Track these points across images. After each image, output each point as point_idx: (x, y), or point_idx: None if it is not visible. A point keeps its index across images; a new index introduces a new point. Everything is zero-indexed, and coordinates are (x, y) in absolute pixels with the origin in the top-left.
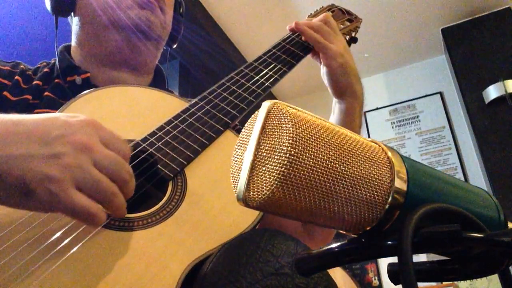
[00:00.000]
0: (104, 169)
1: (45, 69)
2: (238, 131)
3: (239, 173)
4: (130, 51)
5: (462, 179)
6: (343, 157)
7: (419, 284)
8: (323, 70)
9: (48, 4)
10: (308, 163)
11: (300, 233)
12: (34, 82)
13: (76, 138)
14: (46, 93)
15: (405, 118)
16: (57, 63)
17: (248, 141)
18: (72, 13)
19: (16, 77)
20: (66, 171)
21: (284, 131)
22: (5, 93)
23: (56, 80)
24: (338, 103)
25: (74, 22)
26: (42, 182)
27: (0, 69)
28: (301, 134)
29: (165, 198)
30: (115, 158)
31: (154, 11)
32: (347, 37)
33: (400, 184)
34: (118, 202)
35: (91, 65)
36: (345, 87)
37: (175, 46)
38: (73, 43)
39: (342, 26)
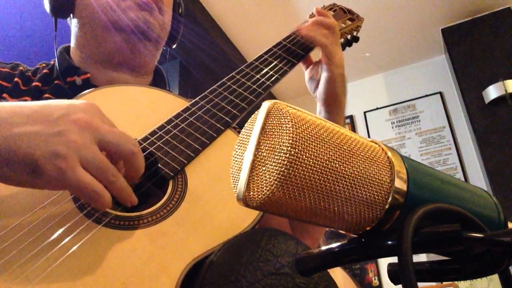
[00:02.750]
0: (109, 143)
1: (45, 70)
2: (238, 133)
3: (239, 173)
4: (130, 52)
5: (462, 179)
6: (343, 157)
7: (419, 284)
8: (317, 76)
9: (47, 6)
10: (308, 163)
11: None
12: (34, 84)
13: (79, 116)
14: (46, 95)
15: (405, 118)
16: (56, 64)
17: (248, 141)
18: (71, 14)
19: (16, 79)
20: (71, 148)
21: (284, 131)
22: (4, 95)
23: (56, 81)
24: (324, 113)
25: (73, 23)
26: (50, 158)
27: (0, 71)
28: (301, 134)
29: (165, 197)
30: (118, 132)
31: (152, 13)
32: (349, 36)
33: (400, 184)
34: (119, 184)
35: (90, 66)
36: (337, 97)
37: (174, 46)
38: (72, 44)
39: (343, 25)
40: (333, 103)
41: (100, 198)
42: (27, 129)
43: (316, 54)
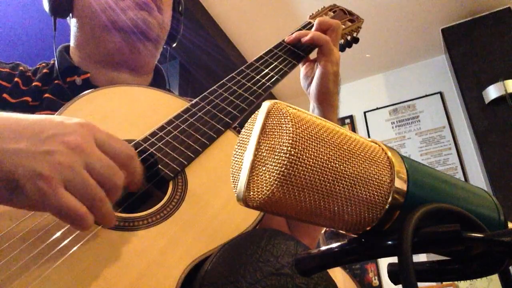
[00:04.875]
0: (96, 172)
1: (44, 70)
2: (238, 133)
3: (239, 173)
4: (129, 51)
5: (462, 179)
6: (343, 157)
7: (419, 284)
8: (311, 73)
9: (46, 5)
10: (308, 163)
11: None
12: (33, 84)
13: (69, 138)
14: (46, 95)
15: (405, 118)
16: (56, 64)
17: (248, 141)
18: (70, 14)
19: (16, 79)
20: (56, 170)
21: (284, 131)
22: (4, 95)
23: (56, 81)
24: (317, 110)
25: (72, 23)
26: (31, 178)
27: (0, 71)
28: (301, 134)
29: (165, 198)
30: (107, 162)
31: (151, 12)
32: (349, 37)
33: (400, 184)
34: (105, 209)
35: (90, 65)
36: (328, 94)
37: (174, 45)
38: (72, 44)
39: (343, 26)
40: (325, 100)
41: (83, 222)
42: (13, 146)
43: (313, 52)
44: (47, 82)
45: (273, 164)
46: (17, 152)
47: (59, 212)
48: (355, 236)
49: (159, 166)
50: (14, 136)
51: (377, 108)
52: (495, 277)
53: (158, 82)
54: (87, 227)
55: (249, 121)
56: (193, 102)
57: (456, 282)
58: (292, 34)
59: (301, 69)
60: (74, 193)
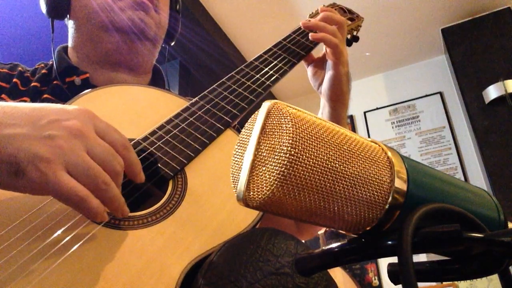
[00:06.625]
0: (96, 157)
1: (43, 71)
2: (237, 131)
3: (239, 173)
4: (127, 51)
5: (462, 179)
6: (343, 157)
7: (419, 284)
8: (321, 72)
9: (43, 7)
10: (308, 163)
11: (292, 229)
12: (32, 84)
13: (70, 123)
14: (45, 95)
15: (405, 118)
16: (54, 64)
17: (248, 141)
18: (68, 16)
19: (14, 79)
20: (57, 153)
21: (284, 131)
22: (3, 95)
23: (55, 82)
24: (328, 108)
25: (70, 24)
26: (32, 161)
27: None
28: (301, 134)
29: (165, 197)
30: (108, 148)
31: (148, 12)
32: (349, 36)
33: (400, 184)
34: (112, 193)
35: (88, 66)
36: (342, 94)
37: (173, 43)
38: (70, 45)
39: None
40: (338, 100)
41: (85, 204)
42: (15, 131)
43: (317, 50)
44: (46, 82)
45: (273, 164)
46: (18, 137)
47: (60, 194)
48: (355, 236)
49: (159, 165)
50: (15, 122)
51: (377, 108)
52: (495, 277)
53: (157, 82)
54: (94, 211)
55: (249, 121)
56: (192, 100)
57: (456, 282)
58: (310, 20)
59: (308, 69)
60: (76, 177)
